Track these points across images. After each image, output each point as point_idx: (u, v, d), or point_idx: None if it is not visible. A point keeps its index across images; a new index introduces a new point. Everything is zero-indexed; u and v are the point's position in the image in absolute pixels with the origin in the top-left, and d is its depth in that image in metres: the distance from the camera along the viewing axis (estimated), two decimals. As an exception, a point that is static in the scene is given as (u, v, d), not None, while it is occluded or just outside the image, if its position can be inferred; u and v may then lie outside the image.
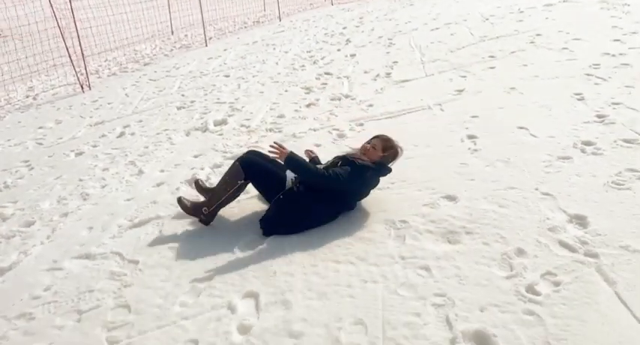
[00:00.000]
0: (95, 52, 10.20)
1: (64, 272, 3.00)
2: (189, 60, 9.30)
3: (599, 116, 4.52)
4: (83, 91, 7.60)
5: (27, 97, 7.57)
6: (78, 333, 2.46)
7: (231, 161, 4.39)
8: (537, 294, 2.40)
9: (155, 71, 8.65)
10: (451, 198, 3.38)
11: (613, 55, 6.38)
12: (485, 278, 2.55)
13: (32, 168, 4.74)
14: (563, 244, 2.76)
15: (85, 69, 7.83)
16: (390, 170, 3.41)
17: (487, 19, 10.15)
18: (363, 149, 3.43)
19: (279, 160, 3.14)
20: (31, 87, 8.12)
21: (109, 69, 9.23)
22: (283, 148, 3.10)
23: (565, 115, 4.69)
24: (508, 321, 2.24)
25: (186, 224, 3.41)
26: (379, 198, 3.47)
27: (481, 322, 2.24)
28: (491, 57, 7.12)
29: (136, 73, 8.72)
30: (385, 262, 2.75)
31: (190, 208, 3.37)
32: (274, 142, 3.14)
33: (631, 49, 6.64)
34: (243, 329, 2.37)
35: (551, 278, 2.50)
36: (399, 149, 3.48)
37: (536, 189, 3.39)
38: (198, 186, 3.60)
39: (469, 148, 4.18)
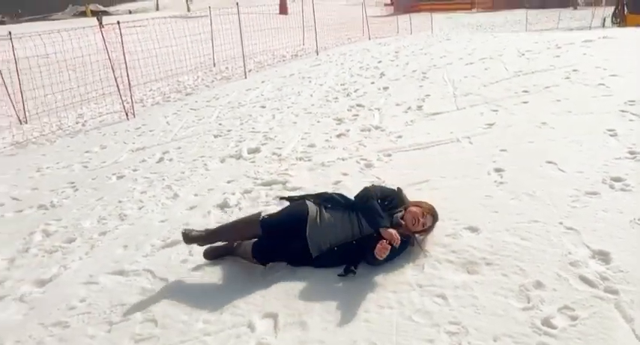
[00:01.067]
0: (141, 82, 10.79)
1: (99, 286, 3.19)
2: (229, 91, 9.71)
3: (631, 153, 4.47)
4: (128, 119, 8.04)
5: (77, 123, 8.07)
6: (107, 343, 2.61)
7: (261, 188, 4.59)
8: (553, 327, 2.40)
9: (196, 101, 9.06)
10: (473, 229, 3.41)
11: (650, 92, 6.30)
12: (502, 309, 2.56)
13: (77, 189, 5.05)
14: (584, 279, 2.75)
15: (131, 98, 8.31)
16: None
17: (523, 55, 10.18)
18: (415, 221, 3.15)
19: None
20: (81, 114, 8.66)
21: (153, 98, 9.74)
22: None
23: (596, 151, 4.65)
24: (518, 353, 2.25)
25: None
26: (402, 227, 3.53)
27: (494, 352, 2.26)
28: (525, 92, 7.14)
29: (178, 102, 9.16)
30: (403, 289, 2.80)
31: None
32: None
33: (669, 85, 6.55)
34: (261, 347, 2.47)
35: (568, 312, 2.50)
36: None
37: (561, 223, 3.38)
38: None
39: (495, 181, 4.21)
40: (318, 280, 2.97)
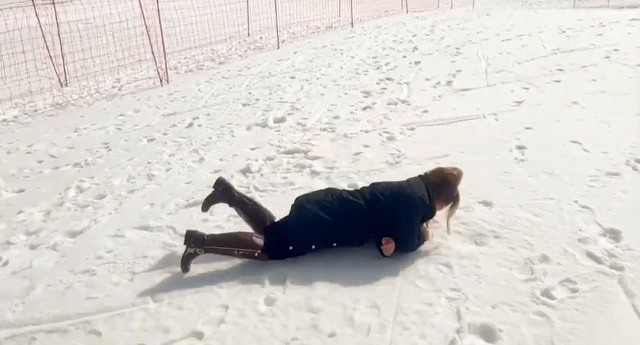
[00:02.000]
0: (176, 49, 10.97)
1: (125, 239, 3.40)
2: (261, 61, 9.78)
3: (661, 135, 4.37)
4: (162, 85, 8.25)
5: (113, 87, 8.33)
6: (130, 290, 2.81)
7: (283, 156, 4.71)
8: (552, 298, 2.46)
9: (228, 70, 9.19)
10: (487, 203, 3.45)
11: (692, 74, 6.06)
12: (504, 279, 2.63)
13: (110, 150, 5.29)
14: (590, 255, 2.78)
15: (165, 65, 8.49)
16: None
17: (564, 32, 9.86)
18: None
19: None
20: (118, 79, 8.91)
21: (187, 66, 9.91)
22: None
23: (624, 132, 4.57)
24: (517, 319, 2.32)
25: (233, 209, 3.72)
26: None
27: (490, 318, 2.34)
28: (560, 70, 6.96)
29: (210, 70, 9.31)
30: (409, 256, 2.89)
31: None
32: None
33: None
34: (269, 301, 2.62)
35: (569, 285, 2.55)
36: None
37: (576, 201, 3.38)
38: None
39: (516, 158, 4.20)
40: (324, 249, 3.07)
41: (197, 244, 2.90)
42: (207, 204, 3.30)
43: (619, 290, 2.48)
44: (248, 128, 5.63)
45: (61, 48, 8.78)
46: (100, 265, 3.10)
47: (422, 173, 3.21)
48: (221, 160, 4.76)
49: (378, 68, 8.17)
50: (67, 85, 8.53)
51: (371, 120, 5.53)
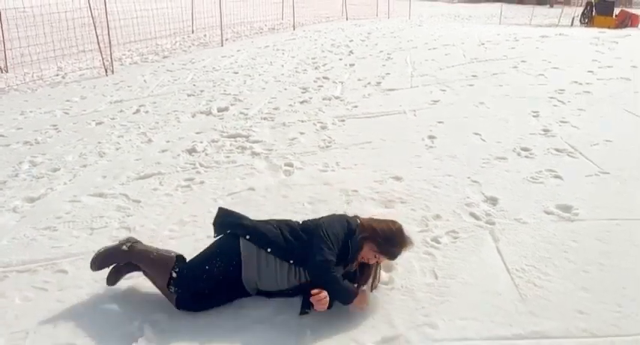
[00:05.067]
0: (121, 42, 11.11)
1: (82, 204, 3.79)
2: (205, 57, 10.19)
3: (544, 130, 5.27)
4: (107, 75, 8.48)
5: (57, 75, 8.46)
6: (90, 241, 3.24)
7: (226, 139, 5.22)
8: (438, 242, 3.16)
9: (172, 63, 9.53)
10: (397, 178, 4.15)
11: (580, 84, 7.14)
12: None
13: (59, 131, 5.57)
14: (472, 215, 3.51)
15: (111, 56, 8.72)
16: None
17: (483, 44, 10.96)
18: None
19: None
20: (60, 67, 9.02)
21: (131, 58, 10.14)
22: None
23: (517, 128, 5.44)
24: (410, 257, 2.98)
25: (182, 180, 4.20)
26: (342, 174, 4.25)
27: (389, 256, 2.99)
28: (474, 76, 7.90)
29: (155, 63, 9.61)
30: (331, 214, 3.50)
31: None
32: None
33: (599, 79, 7.40)
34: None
35: (453, 234, 3.26)
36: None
37: (468, 177, 4.15)
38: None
39: (426, 145, 4.95)
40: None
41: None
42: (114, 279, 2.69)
43: (489, 237, 3.22)
44: (193, 115, 6.09)
45: (2, 34, 8.77)
46: (60, 224, 3.50)
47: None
48: (168, 141, 5.20)
49: (316, 68, 8.83)
50: (7, 71, 8.55)
51: (307, 112, 6.15)
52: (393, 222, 2.74)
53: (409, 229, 3.28)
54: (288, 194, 3.93)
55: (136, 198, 3.88)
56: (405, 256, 2.93)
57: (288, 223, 2.73)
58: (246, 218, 2.74)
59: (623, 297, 2.60)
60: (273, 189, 4.02)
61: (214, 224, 2.71)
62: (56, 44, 9.65)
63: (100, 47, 8.58)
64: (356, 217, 2.81)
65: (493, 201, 3.72)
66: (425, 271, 2.87)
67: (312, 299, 2.40)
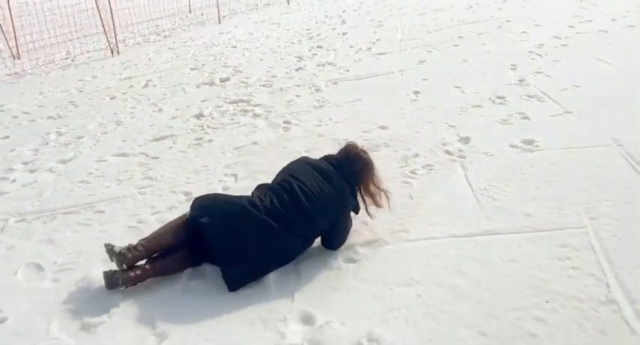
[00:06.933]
0: (123, 24, 11.55)
1: (108, 162, 4.37)
2: (204, 34, 10.63)
3: (519, 80, 5.74)
4: (113, 56, 8.97)
5: (66, 58, 8.96)
6: (120, 189, 3.82)
7: (229, 105, 5.75)
8: (415, 174, 3.70)
9: (174, 42, 9.99)
10: (383, 127, 4.67)
11: (559, 38, 7.54)
12: (387, 167, 3.82)
13: (77, 106, 6.12)
14: (447, 152, 4.05)
15: (115, 37, 9.19)
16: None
17: (471, 7, 11.29)
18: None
19: None
20: (69, 51, 9.51)
21: (134, 39, 10.60)
22: None
23: (495, 80, 5.91)
24: (390, 186, 3.52)
25: (193, 140, 4.75)
26: (334, 127, 4.78)
27: (373, 185, 3.54)
28: (460, 37, 8.31)
29: (157, 43, 10.08)
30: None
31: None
32: None
33: (578, 33, 7.79)
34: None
35: (428, 167, 3.80)
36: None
37: (446, 123, 4.66)
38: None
39: (411, 99, 5.45)
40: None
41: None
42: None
43: (459, 168, 3.76)
44: (197, 86, 6.60)
45: (12, 22, 9.26)
46: (92, 178, 4.08)
47: (332, 159, 3.10)
48: (177, 109, 5.73)
49: (310, 38, 9.27)
50: (19, 58, 9.06)
51: (302, 78, 6.64)
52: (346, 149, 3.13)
53: (391, 167, 3.86)
54: (287, 146, 4.48)
55: (154, 155, 4.44)
56: (386, 186, 3.49)
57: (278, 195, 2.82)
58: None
59: (565, 203, 3.15)
60: (274, 142, 4.57)
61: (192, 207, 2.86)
62: (61, 30, 10.15)
63: (105, 30, 9.05)
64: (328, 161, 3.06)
65: (466, 140, 4.25)
66: (402, 195, 3.42)
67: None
